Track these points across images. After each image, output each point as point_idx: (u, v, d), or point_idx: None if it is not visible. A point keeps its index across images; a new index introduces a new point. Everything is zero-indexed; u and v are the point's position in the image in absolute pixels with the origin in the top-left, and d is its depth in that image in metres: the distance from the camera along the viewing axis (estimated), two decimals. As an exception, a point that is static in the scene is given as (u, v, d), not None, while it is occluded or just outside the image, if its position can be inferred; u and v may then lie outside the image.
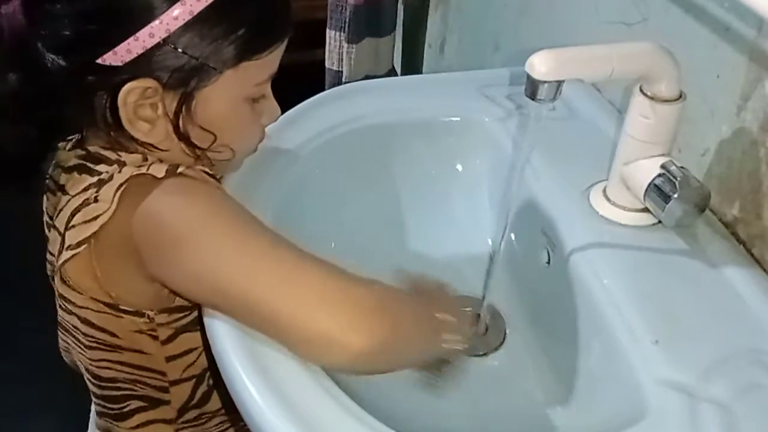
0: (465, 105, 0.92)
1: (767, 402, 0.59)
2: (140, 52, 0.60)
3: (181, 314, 0.69)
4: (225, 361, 0.60)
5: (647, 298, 0.67)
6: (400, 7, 1.58)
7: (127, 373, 0.72)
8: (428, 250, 0.89)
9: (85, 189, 0.63)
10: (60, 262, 0.64)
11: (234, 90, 0.65)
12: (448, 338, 0.67)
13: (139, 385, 0.72)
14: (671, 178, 0.69)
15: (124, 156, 0.65)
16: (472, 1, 1.33)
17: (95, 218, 0.61)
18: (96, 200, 0.62)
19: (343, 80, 1.49)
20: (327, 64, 1.52)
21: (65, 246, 0.63)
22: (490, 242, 0.88)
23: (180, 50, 0.61)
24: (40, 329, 0.87)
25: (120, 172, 0.63)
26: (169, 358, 0.71)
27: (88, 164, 0.65)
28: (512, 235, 0.83)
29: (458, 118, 0.91)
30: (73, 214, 0.63)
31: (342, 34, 1.46)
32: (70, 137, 0.68)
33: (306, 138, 0.84)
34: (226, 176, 0.75)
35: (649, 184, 0.70)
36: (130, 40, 0.60)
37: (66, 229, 0.63)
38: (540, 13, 1.09)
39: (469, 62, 1.36)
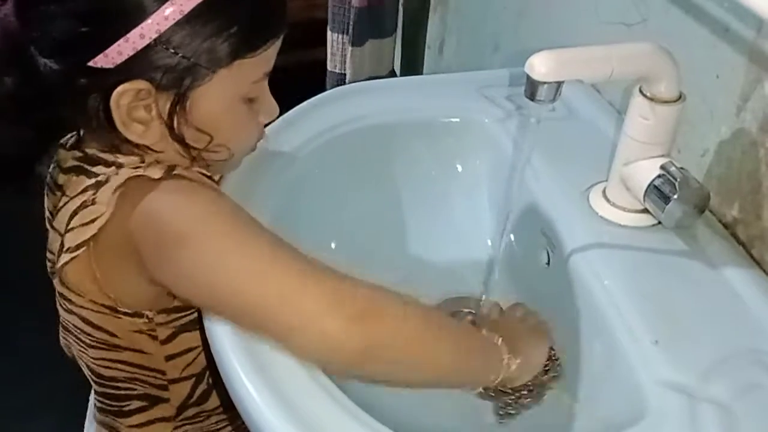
0: (465, 106, 0.92)
1: (767, 402, 0.59)
2: (131, 53, 0.59)
3: (180, 314, 0.69)
4: (224, 359, 0.60)
5: (647, 299, 0.67)
6: (400, 8, 1.58)
7: (127, 372, 0.72)
8: (428, 250, 0.89)
9: (83, 191, 0.63)
10: (59, 264, 0.64)
11: (229, 89, 0.64)
12: (505, 371, 0.65)
13: (138, 383, 0.73)
14: (671, 179, 0.69)
15: (121, 158, 0.64)
16: (472, 2, 1.33)
17: (93, 221, 0.61)
18: (94, 202, 0.62)
19: (347, 83, 1.49)
20: (329, 67, 1.52)
21: (64, 248, 0.63)
22: (489, 243, 0.88)
23: (172, 50, 0.60)
24: (40, 329, 0.87)
25: (117, 174, 0.62)
26: (169, 357, 0.71)
27: (86, 166, 0.65)
28: (512, 236, 0.83)
29: (458, 119, 0.91)
30: (71, 217, 0.63)
31: (345, 36, 1.46)
32: (71, 134, 0.68)
33: (306, 138, 0.84)
34: (225, 176, 0.75)
35: (649, 185, 0.70)
36: (121, 41, 0.59)
37: (65, 231, 0.63)
38: (539, 13, 1.09)
39: (468, 63, 1.36)
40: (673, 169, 0.69)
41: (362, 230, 0.86)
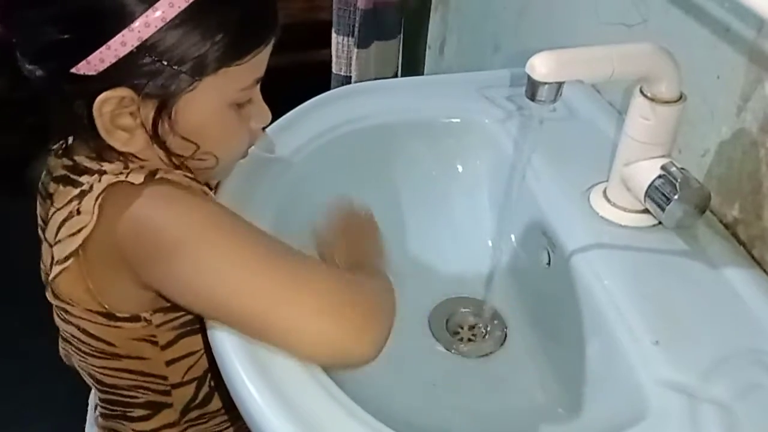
0: (465, 106, 0.92)
1: (767, 402, 0.59)
2: (113, 60, 0.58)
3: (179, 312, 0.68)
4: (225, 361, 0.60)
5: (648, 299, 0.67)
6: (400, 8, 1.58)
7: (129, 379, 0.71)
8: (428, 250, 0.89)
9: (69, 201, 0.62)
10: (51, 277, 0.64)
11: (215, 97, 0.63)
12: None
13: (141, 390, 0.72)
14: (671, 179, 0.69)
15: (106, 165, 0.63)
16: (472, 2, 1.33)
17: (79, 231, 0.61)
18: (79, 212, 0.61)
19: (352, 85, 1.49)
20: (334, 70, 1.51)
21: (54, 260, 0.63)
22: (490, 243, 0.88)
23: (155, 58, 0.58)
24: (40, 331, 0.87)
25: (99, 181, 0.61)
26: (169, 362, 0.71)
27: (72, 176, 0.64)
28: (512, 236, 0.83)
29: (458, 120, 0.91)
30: (59, 228, 0.63)
31: (350, 39, 1.46)
32: (62, 141, 0.67)
33: (307, 138, 0.84)
34: (224, 178, 0.75)
35: (650, 186, 0.70)
36: (102, 48, 0.58)
37: (54, 243, 0.63)
38: (540, 14, 1.09)
39: (468, 63, 1.36)
40: (673, 169, 0.69)
41: (362, 230, 0.86)
